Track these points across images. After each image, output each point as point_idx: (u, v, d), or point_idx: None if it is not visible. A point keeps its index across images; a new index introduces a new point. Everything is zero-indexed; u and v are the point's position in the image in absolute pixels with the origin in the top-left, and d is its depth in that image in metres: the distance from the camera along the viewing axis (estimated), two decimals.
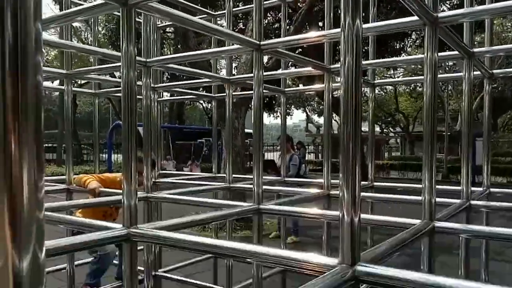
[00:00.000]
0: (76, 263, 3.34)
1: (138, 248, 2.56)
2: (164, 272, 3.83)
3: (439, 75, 1.76)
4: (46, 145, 28.00)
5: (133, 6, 1.39)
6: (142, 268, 2.87)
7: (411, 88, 31.27)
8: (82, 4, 2.41)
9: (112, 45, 18.89)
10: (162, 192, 2.85)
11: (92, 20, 4.02)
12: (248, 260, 1.32)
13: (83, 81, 15.71)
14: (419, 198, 1.55)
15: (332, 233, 2.53)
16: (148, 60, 2.43)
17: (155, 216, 3.34)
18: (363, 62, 2.75)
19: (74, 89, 3.43)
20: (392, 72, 27.94)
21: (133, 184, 1.45)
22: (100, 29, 20.58)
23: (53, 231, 3.31)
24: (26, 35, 0.44)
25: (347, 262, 1.03)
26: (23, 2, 0.43)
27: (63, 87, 3.11)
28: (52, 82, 3.99)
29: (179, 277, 3.81)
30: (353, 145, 1.02)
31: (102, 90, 4.21)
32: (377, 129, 37.03)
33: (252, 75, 2.14)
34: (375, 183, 3.11)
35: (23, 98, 0.45)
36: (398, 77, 28.12)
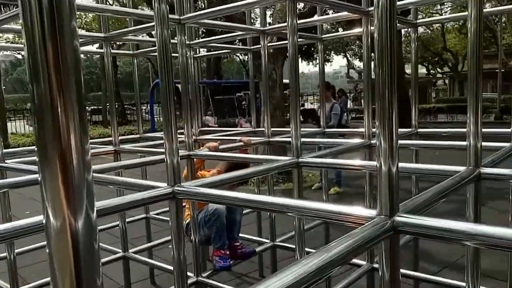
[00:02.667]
0: (128, 219, 3.55)
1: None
2: None
3: (491, 8, 1.60)
4: (93, 107, 29.05)
5: None
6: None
7: (460, 24, 28.93)
8: None
9: (147, 3, 18.81)
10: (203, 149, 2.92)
11: None
12: (289, 214, 1.35)
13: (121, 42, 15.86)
14: (465, 143, 1.49)
15: (374, 183, 2.52)
16: (181, 17, 2.41)
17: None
18: (402, 2, 2.60)
19: (113, 51, 3.48)
20: (439, 7, 26.01)
21: (175, 142, 1.49)
22: None
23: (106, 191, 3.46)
24: (60, 2, 0.45)
25: (386, 213, 1.01)
26: None
27: (102, 50, 3.18)
28: (92, 45, 4.06)
29: None
30: (388, 90, 0.98)
31: (139, 50, 4.25)
32: (423, 70, 35.10)
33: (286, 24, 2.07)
34: (420, 130, 3.02)
35: (64, 63, 0.46)
36: (445, 12, 26.10)
